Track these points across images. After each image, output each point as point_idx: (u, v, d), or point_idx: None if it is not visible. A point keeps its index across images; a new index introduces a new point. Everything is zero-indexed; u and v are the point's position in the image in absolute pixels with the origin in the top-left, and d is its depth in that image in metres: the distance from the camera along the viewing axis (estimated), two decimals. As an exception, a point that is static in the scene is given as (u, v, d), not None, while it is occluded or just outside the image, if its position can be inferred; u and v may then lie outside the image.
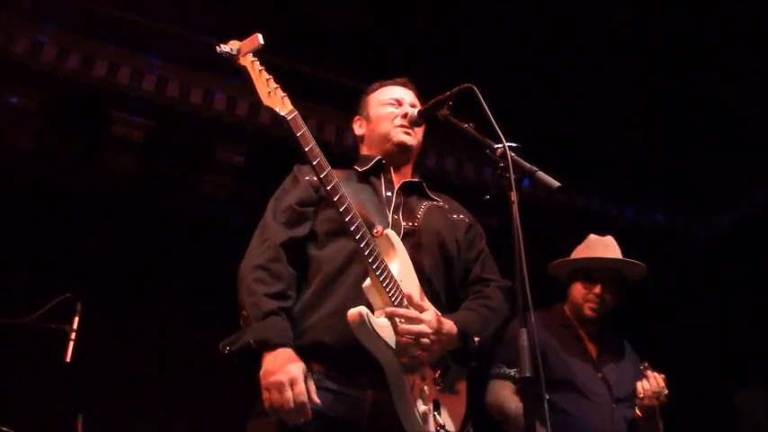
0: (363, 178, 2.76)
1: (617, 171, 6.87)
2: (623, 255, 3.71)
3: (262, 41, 2.37)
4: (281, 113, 2.39)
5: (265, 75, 2.39)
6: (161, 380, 5.46)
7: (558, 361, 3.51)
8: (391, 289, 2.38)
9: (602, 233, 3.86)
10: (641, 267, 3.72)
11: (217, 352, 2.42)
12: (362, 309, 2.29)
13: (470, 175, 6.62)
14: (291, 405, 2.20)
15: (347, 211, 2.37)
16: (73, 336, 3.88)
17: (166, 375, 5.45)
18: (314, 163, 2.39)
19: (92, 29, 5.62)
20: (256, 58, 2.39)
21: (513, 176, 2.31)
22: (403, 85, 2.97)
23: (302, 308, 2.47)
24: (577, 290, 3.72)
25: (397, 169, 2.83)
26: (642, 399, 3.40)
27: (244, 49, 2.37)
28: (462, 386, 2.63)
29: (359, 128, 2.97)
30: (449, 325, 2.48)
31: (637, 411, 3.46)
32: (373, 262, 2.36)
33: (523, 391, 2.17)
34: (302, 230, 2.58)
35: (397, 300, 2.38)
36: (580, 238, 3.88)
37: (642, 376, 3.46)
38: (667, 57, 6.01)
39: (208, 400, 5.42)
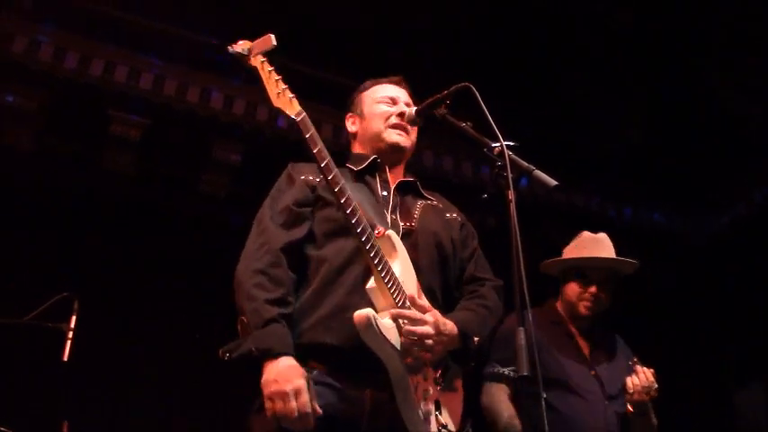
0: (359, 177, 2.74)
1: (616, 171, 6.87)
2: (619, 253, 3.71)
3: (274, 42, 2.37)
4: (290, 115, 2.39)
5: (275, 75, 2.39)
6: (161, 379, 5.45)
7: (552, 360, 3.51)
8: (394, 290, 2.38)
9: (596, 231, 3.85)
10: (634, 265, 3.72)
11: (216, 352, 2.42)
12: (370, 311, 2.29)
13: (468, 174, 6.61)
14: (296, 415, 2.20)
15: (353, 213, 2.37)
16: (70, 335, 3.87)
17: (166, 375, 5.45)
18: (322, 165, 2.39)
19: (89, 28, 5.61)
20: (266, 59, 2.38)
21: (510, 175, 2.31)
22: (397, 83, 2.96)
23: (302, 307, 2.46)
24: (572, 289, 3.71)
25: (391, 168, 2.83)
26: (632, 394, 3.40)
27: (255, 50, 2.37)
28: (459, 384, 2.65)
29: (352, 125, 2.95)
30: (450, 326, 2.49)
31: (628, 407, 3.46)
32: (378, 263, 2.36)
33: (521, 389, 2.17)
34: (301, 232, 2.56)
35: (400, 301, 2.39)
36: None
37: (632, 372, 3.46)
38: (667, 57, 6.01)
39: (208, 400, 5.42)
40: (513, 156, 2.37)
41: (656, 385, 3.40)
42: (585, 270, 3.68)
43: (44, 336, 3.93)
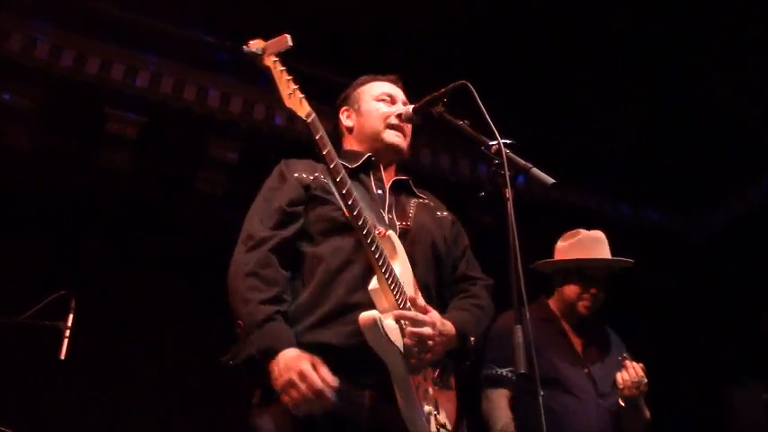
0: (353, 175, 2.69)
1: (616, 170, 6.87)
2: (615, 251, 3.71)
3: (290, 43, 2.35)
4: (301, 115, 2.38)
5: (286, 75, 2.38)
6: (160, 379, 5.46)
7: (545, 359, 3.50)
8: (396, 291, 2.38)
9: (591, 228, 3.83)
10: (631, 263, 3.72)
11: (215, 351, 2.41)
12: (376, 314, 2.29)
13: (465, 173, 6.62)
14: (311, 396, 2.19)
15: (359, 215, 2.37)
16: (67, 333, 3.87)
17: (165, 374, 5.45)
18: (331, 166, 2.39)
19: (86, 26, 5.62)
20: (278, 59, 2.36)
21: (507, 173, 2.30)
22: (394, 82, 2.96)
23: (301, 306, 2.44)
24: (572, 289, 3.70)
25: (385, 167, 2.82)
26: (623, 389, 3.40)
27: (269, 50, 2.35)
28: (453, 383, 2.65)
29: (347, 119, 2.92)
30: (449, 326, 2.50)
31: (620, 402, 3.46)
32: (382, 265, 2.37)
33: (519, 387, 2.17)
34: (292, 229, 2.55)
35: (402, 302, 2.39)
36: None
37: (622, 367, 3.46)
38: (667, 57, 6.01)
39: (207, 399, 5.42)
40: (511, 154, 2.36)
41: (646, 380, 3.40)
42: (586, 270, 3.67)
43: (41, 334, 3.93)
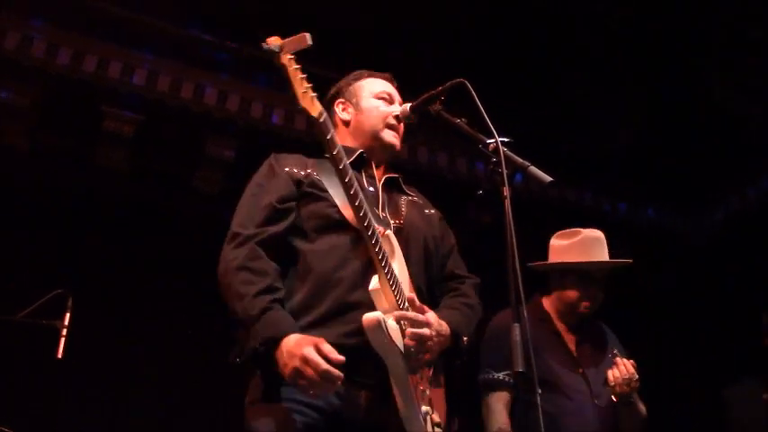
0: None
1: (616, 170, 6.88)
2: (614, 250, 3.68)
3: (310, 42, 2.30)
4: (313, 114, 2.35)
5: (300, 74, 2.34)
6: (158, 378, 5.45)
7: (539, 360, 3.48)
8: (396, 291, 2.38)
9: (587, 226, 3.81)
10: (630, 263, 3.71)
11: (214, 350, 2.41)
12: (380, 315, 2.29)
13: (463, 171, 6.61)
14: (318, 379, 2.16)
15: (365, 216, 2.37)
16: (64, 332, 3.87)
17: (163, 373, 5.45)
18: (340, 167, 2.37)
19: (82, 24, 5.62)
20: (293, 56, 2.33)
21: (505, 171, 2.31)
22: (389, 80, 2.95)
23: (297, 305, 2.42)
24: (573, 290, 3.66)
25: (377, 164, 2.81)
26: (614, 387, 3.39)
27: (287, 48, 2.30)
28: (443, 380, 2.65)
29: (342, 111, 2.87)
30: (445, 326, 2.50)
31: (613, 398, 3.45)
32: (385, 265, 2.36)
33: (517, 389, 2.16)
34: (283, 225, 2.52)
35: (401, 302, 2.39)
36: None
37: (613, 364, 3.44)
38: (667, 57, 6.01)
39: (208, 400, 5.42)
40: (508, 152, 2.37)
41: (637, 376, 3.38)
42: (590, 272, 3.66)
43: (39, 333, 3.93)
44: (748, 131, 6.32)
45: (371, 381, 2.36)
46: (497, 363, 3.48)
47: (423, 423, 2.38)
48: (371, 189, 2.70)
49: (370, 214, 2.39)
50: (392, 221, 2.63)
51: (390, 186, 2.80)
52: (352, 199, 2.37)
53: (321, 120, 2.36)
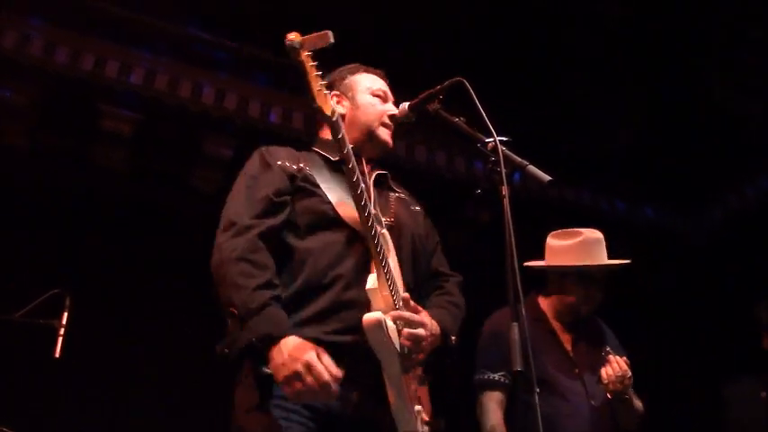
0: (336, 167, 2.64)
1: (616, 169, 6.88)
2: (614, 249, 3.67)
3: (332, 40, 2.30)
4: (326, 113, 2.35)
5: (316, 71, 2.33)
6: (157, 377, 5.45)
7: (536, 360, 3.47)
8: (393, 290, 2.37)
9: (590, 227, 3.79)
10: (629, 263, 3.71)
11: (212, 349, 2.38)
12: (381, 315, 2.29)
13: (461, 170, 6.59)
14: (317, 388, 2.14)
15: (368, 216, 2.37)
16: (62, 331, 3.86)
17: (162, 372, 5.45)
18: (349, 166, 2.37)
19: (80, 23, 5.61)
20: (311, 53, 2.33)
21: (504, 170, 2.31)
22: (383, 77, 2.94)
23: (290, 302, 2.38)
24: (575, 291, 3.64)
25: (366, 161, 2.79)
26: (607, 384, 3.39)
27: (307, 45, 2.30)
28: (425, 376, 2.64)
29: (337, 104, 2.80)
30: (436, 326, 2.50)
31: (608, 395, 3.45)
32: (384, 265, 2.36)
33: (517, 388, 2.16)
34: (279, 218, 2.48)
35: (396, 301, 2.38)
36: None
37: (605, 362, 3.44)
38: (667, 57, 6.02)
39: (208, 400, 5.41)
40: (507, 151, 2.36)
41: (630, 373, 3.38)
42: (591, 274, 3.64)
43: (37, 333, 3.92)
44: (747, 131, 6.32)
45: (365, 379, 2.35)
46: (493, 363, 3.48)
47: (415, 422, 2.38)
48: (362, 185, 2.63)
49: (372, 215, 2.38)
50: (383, 219, 2.62)
51: (379, 183, 2.78)
52: (357, 199, 2.37)
53: (334, 119, 2.36)
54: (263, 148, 2.68)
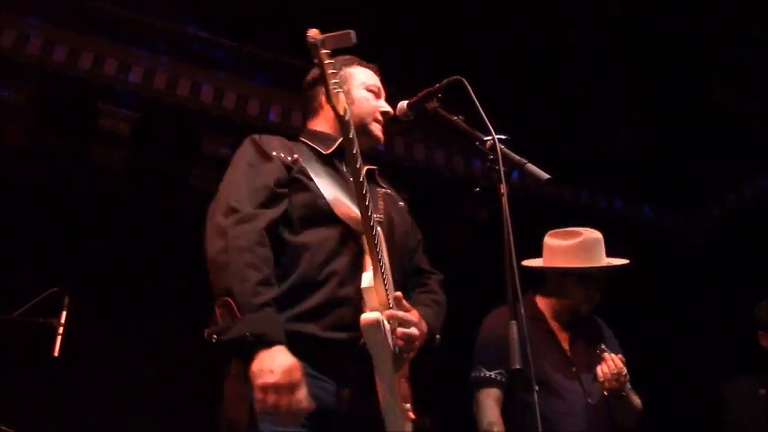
0: (327, 161, 2.62)
1: (616, 169, 6.89)
2: (613, 249, 3.66)
3: (354, 40, 2.30)
4: (339, 111, 2.33)
5: (332, 69, 2.33)
6: (156, 376, 5.44)
7: (533, 360, 3.47)
8: (387, 289, 2.37)
9: (589, 226, 3.78)
10: (629, 263, 3.71)
11: (214, 350, 2.35)
12: (379, 315, 2.28)
13: (460, 168, 6.59)
14: (290, 410, 2.10)
15: (371, 217, 2.36)
16: (60, 330, 3.85)
17: (161, 372, 5.44)
18: (357, 166, 2.36)
19: (78, 21, 5.62)
20: (329, 51, 2.32)
21: (502, 169, 2.30)
22: (377, 72, 2.93)
23: (287, 294, 2.35)
24: (575, 291, 3.64)
25: None
26: (603, 382, 3.39)
27: (328, 43, 2.30)
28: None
29: None
30: (424, 324, 2.49)
31: (605, 393, 3.45)
32: (381, 263, 2.35)
33: (514, 387, 2.15)
34: (279, 210, 2.44)
35: (391, 300, 2.37)
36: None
37: (601, 360, 3.44)
38: (667, 57, 6.02)
39: (208, 400, 5.40)
40: (505, 149, 2.36)
41: (626, 370, 3.38)
42: (591, 275, 3.63)
43: (36, 332, 3.92)
44: (746, 131, 6.33)
45: (358, 377, 2.34)
46: (490, 361, 3.48)
47: (403, 421, 2.37)
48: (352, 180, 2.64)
49: (373, 213, 2.37)
50: (375, 216, 2.55)
51: (369, 178, 2.70)
52: (362, 199, 2.36)
53: (346, 118, 2.35)
54: (256, 136, 2.64)
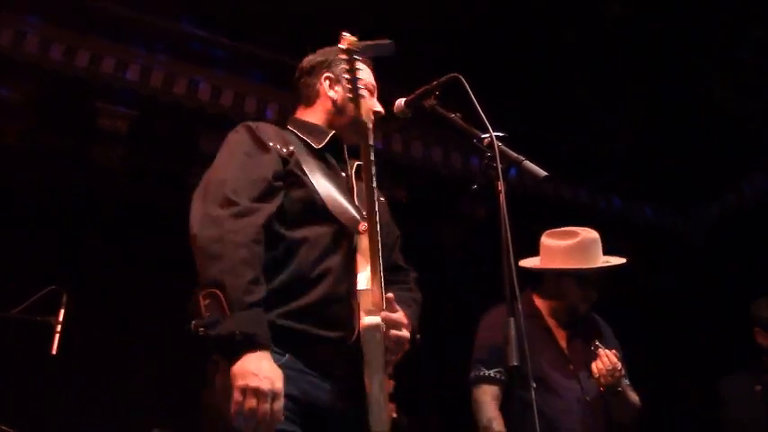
0: (318, 155, 2.56)
1: (615, 169, 6.89)
2: (609, 246, 3.67)
3: (393, 50, 2.31)
4: (368, 125, 2.35)
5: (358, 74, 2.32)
6: (159, 378, 5.45)
7: (531, 358, 3.47)
8: (382, 290, 2.35)
9: (587, 225, 3.77)
10: (625, 262, 3.71)
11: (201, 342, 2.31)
12: (380, 321, 2.28)
13: (457, 165, 6.57)
14: (265, 418, 2.03)
15: (376, 222, 2.35)
16: (58, 328, 3.85)
17: (164, 374, 5.45)
18: (372, 173, 2.37)
19: (75, 19, 5.61)
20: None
21: (500, 166, 2.29)
22: (373, 70, 2.84)
23: (276, 292, 2.29)
24: (573, 291, 3.64)
25: (348, 148, 2.70)
26: (599, 378, 3.39)
27: (367, 52, 2.31)
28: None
29: (330, 88, 2.71)
30: (409, 325, 2.46)
31: (601, 388, 3.45)
32: (379, 267, 2.34)
33: (512, 384, 2.15)
34: (275, 205, 2.37)
35: (384, 302, 2.35)
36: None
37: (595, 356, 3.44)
38: (667, 57, 6.03)
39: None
40: (503, 146, 2.35)
41: (620, 365, 3.38)
42: (588, 276, 3.63)
43: (33, 329, 3.92)
44: (748, 131, 6.33)
45: (344, 374, 2.33)
46: (488, 360, 3.49)
47: (386, 420, 2.35)
48: (343, 174, 2.61)
49: (377, 211, 2.36)
50: (363, 213, 2.51)
51: (356, 174, 2.66)
52: (372, 207, 2.34)
53: (370, 126, 2.36)
54: (252, 124, 2.58)
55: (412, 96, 2.63)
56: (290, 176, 2.44)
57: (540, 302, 3.72)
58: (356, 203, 2.52)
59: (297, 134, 2.62)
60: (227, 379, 2.09)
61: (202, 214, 2.28)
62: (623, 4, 5.81)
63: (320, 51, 2.83)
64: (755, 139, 6.40)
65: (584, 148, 6.58)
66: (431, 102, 2.56)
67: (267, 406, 2.03)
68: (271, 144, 2.46)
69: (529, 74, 6.06)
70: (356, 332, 2.31)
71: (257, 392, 2.03)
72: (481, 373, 3.51)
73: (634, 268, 3.76)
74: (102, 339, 5.16)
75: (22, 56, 5.46)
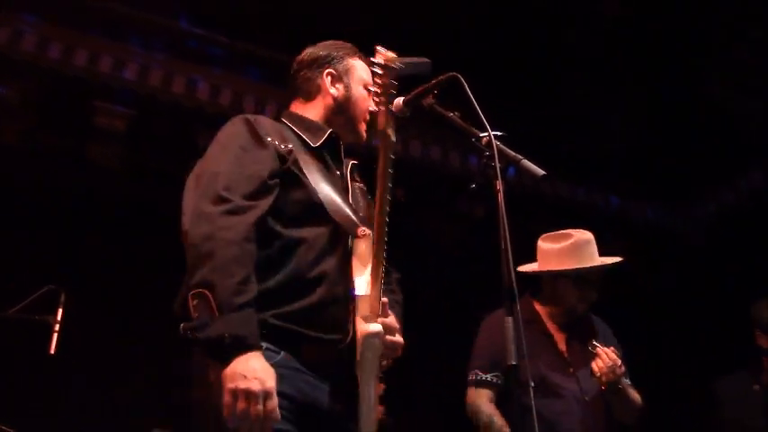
0: (315, 153, 2.53)
1: (615, 169, 6.89)
2: (607, 246, 3.68)
3: (429, 68, 2.38)
4: (390, 135, 2.37)
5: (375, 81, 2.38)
6: (159, 378, 5.45)
7: (531, 363, 3.46)
8: (379, 295, 2.35)
9: (586, 224, 3.78)
10: (620, 262, 3.71)
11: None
12: (381, 329, 2.29)
13: (456, 164, 6.58)
14: (259, 419, 2.00)
15: (384, 225, 2.34)
16: (56, 327, 3.85)
17: (164, 373, 5.44)
18: (389, 185, 2.37)
19: (73, 18, 5.62)
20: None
21: (498, 165, 2.28)
22: (370, 66, 2.89)
23: (272, 292, 2.25)
24: (571, 293, 3.64)
25: (345, 146, 2.69)
26: (600, 377, 3.39)
27: (405, 69, 2.37)
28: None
29: (331, 86, 2.68)
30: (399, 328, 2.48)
31: (602, 387, 3.45)
32: (381, 272, 2.33)
33: (510, 386, 2.15)
34: (268, 203, 2.31)
35: (380, 308, 2.35)
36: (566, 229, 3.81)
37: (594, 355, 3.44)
38: (667, 57, 6.02)
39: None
40: (501, 145, 2.35)
41: (620, 362, 3.38)
42: (585, 276, 3.64)
43: (31, 329, 3.92)
44: (748, 131, 6.33)
45: (337, 376, 2.31)
46: (486, 365, 3.52)
47: (375, 421, 2.36)
48: (338, 173, 2.59)
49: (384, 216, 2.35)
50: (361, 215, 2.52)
51: (351, 173, 2.68)
52: (380, 212, 2.35)
53: (393, 139, 2.39)
54: (250, 117, 2.51)
55: (410, 95, 2.61)
56: (288, 175, 2.40)
57: (539, 308, 3.73)
58: (352, 204, 2.51)
59: (293, 129, 2.58)
60: (220, 378, 2.06)
61: (194, 210, 2.23)
62: (623, 4, 5.81)
63: (321, 45, 2.79)
64: (755, 139, 6.40)
65: (584, 148, 6.58)
66: (429, 101, 2.55)
67: (259, 407, 2.00)
68: (269, 139, 2.40)
69: (528, 73, 6.06)
70: (350, 335, 2.30)
71: (247, 394, 2.00)
72: (478, 377, 3.53)
73: (633, 268, 3.76)
74: (101, 339, 5.16)
75: (19, 55, 5.47)
